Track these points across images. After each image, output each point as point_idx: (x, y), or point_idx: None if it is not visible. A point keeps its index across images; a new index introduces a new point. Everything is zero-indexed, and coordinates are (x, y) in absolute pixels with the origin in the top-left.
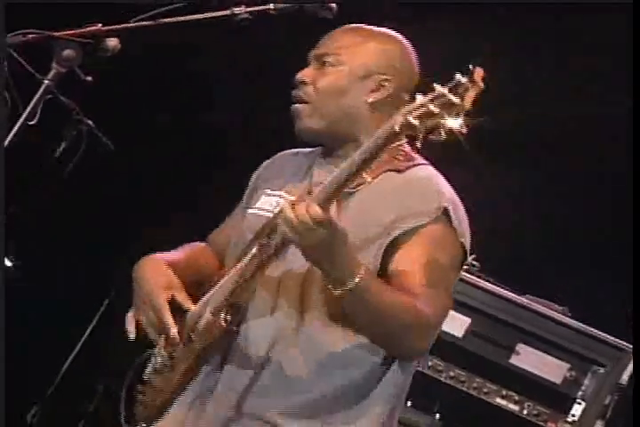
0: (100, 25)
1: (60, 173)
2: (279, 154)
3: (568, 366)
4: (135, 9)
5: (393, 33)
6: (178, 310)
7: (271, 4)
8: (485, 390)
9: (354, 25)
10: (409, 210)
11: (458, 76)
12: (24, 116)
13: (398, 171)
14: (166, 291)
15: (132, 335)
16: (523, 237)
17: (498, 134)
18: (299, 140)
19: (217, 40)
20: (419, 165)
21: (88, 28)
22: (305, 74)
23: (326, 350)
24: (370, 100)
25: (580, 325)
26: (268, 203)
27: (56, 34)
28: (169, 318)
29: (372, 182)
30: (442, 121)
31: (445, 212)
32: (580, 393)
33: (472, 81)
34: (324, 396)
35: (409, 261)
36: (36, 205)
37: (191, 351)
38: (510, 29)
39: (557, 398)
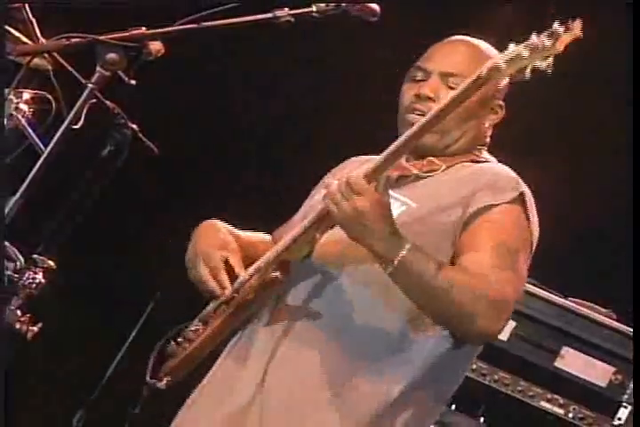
0: (144, 28)
1: (104, 178)
2: (349, 160)
3: (613, 369)
4: (178, 12)
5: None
6: (229, 273)
7: (314, 7)
8: (530, 393)
9: (470, 40)
10: (486, 188)
11: (555, 24)
12: (68, 119)
13: (473, 161)
14: (221, 251)
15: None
16: (566, 240)
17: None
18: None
19: (260, 43)
20: (494, 162)
21: (132, 32)
22: (431, 89)
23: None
24: (487, 124)
25: (626, 327)
26: None
27: (100, 38)
28: (224, 277)
29: (446, 170)
30: (529, 63)
31: (522, 197)
32: (625, 397)
33: (567, 28)
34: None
35: (480, 242)
36: (81, 209)
37: (229, 307)
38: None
39: (603, 402)
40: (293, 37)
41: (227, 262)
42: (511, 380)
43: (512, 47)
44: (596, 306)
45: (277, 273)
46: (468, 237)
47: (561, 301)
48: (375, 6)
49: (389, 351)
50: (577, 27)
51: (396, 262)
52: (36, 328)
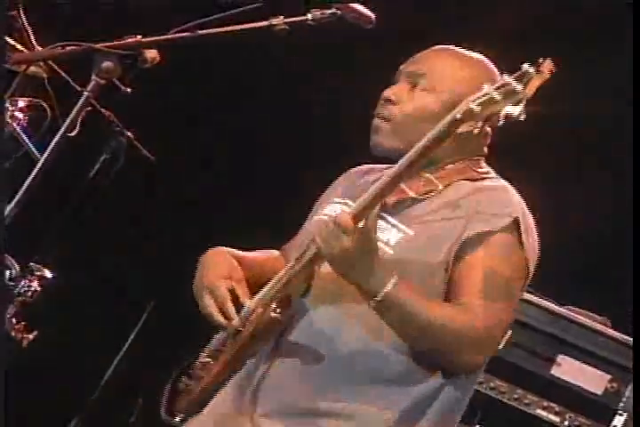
0: (139, 37)
1: (100, 185)
2: (356, 168)
3: (609, 377)
4: (174, 21)
5: (485, 59)
6: (235, 302)
7: (309, 15)
8: (526, 401)
9: (449, 47)
10: (479, 215)
11: (525, 65)
12: (64, 127)
13: (470, 180)
14: (227, 281)
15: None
16: (563, 248)
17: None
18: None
19: (256, 50)
20: (492, 177)
21: (127, 40)
22: (393, 92)
23: (369, 360)
24: (459, 130)
25: (621, 335)
26: (332, 210)
27: (96, 46)
28: (230, 309)
29: (443, 190)
30: (502, 108)
31: (516, 223)
32: (621, 404)
33: (538, 71)
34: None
35: (469, 271)
36: (77, 217)
37: (236, 342)
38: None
39: (598, 410)
40: (290, 45)
41: (233, 292)
42: (507, 388)
43: (485, 88)
44: (592, 313)
45: (277, 314)
46: (460, 269)
47: (556, 308)
48: (371, 14)
49: (390, 386)
50: (546, 68)
51: (379, 298)
52: (31, 336)
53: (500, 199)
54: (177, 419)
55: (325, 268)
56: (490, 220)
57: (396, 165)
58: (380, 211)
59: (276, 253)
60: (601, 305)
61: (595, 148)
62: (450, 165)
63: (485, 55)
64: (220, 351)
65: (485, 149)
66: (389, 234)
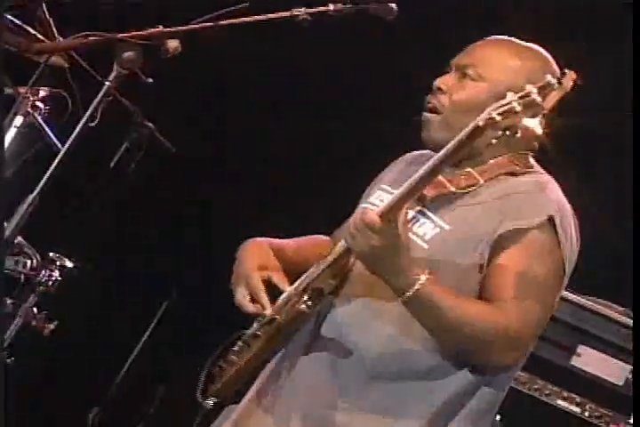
0: (161, 27)
1: (121, 175)
2: (411, 153)
3: (630, 367)
4: (196, 10)
5: (540, 50)
6: (272, 291)
7: (331, 6)
8: (547, 391)
9: (502, 37)
10: (515, 211)
11: (549, 76)
12: (85, 118)
13: (513, 174)
14: (261, 271)
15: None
16: (585, 238)
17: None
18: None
19: (277, 41)
20: (536, 173)
21: (149, 30)
22: (444, 81)
23: (403, 356)
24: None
25: None
26: (379, 198)
27: (117, 36)
28: (264, 299)
29: (484, 184)
30: (520, 119)
31: (551, 221)
32: None
33: (559, 83)
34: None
35: (504, 270)
36: (97, 207)
37: (270, 330)
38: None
39: (619, 400)
40: (312, 36)
41: (269, 282)
42: (527, 378)
43: (508, 96)
44: (613, 304)
45: (306, 306)
46: (494, 268)
47: (577, 299)
48: (393, 5)
49: (423, 381)
50: (568, 81)
51: (409, 294)
52: (52, 326)
53: (537, 197)
54: (210, 402)
55: (357, 264)
56: (525, 217)
57: (422, 169)
58: (419, 204)
59: (323, 239)
60: (622, 296)
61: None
62: (493, 160)
63: None
64: (255, 338)
65: (535, 144)
66: (425, 228)
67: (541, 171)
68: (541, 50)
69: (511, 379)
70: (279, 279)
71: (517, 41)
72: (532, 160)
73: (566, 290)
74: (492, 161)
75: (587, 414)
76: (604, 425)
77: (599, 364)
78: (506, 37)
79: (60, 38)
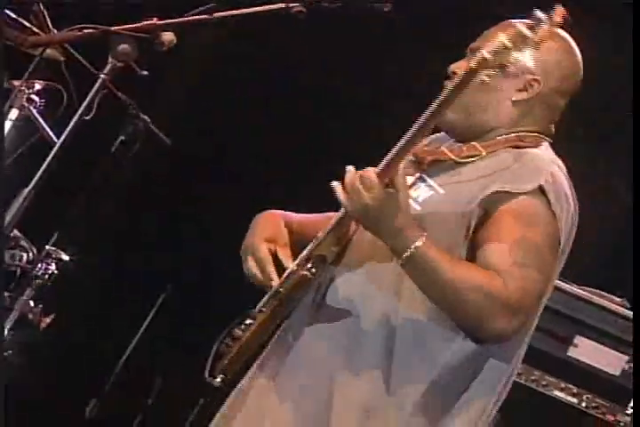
0: (156, 19)
1: (117, 168)
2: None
3: (627, 357)
4: (190, 3)
5: (556, 31)
6: (278, 265)
7: None
8: (544, 382)
9: (511, 21)
10: (505, 176)
11: (538, 12)
12: (80, 110)
13: (516, 147)
14: (269, 243)
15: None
16: (580, 229)
17: None
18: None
19: (273, 32)
20: (539, 148)
21: (144, 23)
22: (457, 66)
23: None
24: (514, 98)
25: None
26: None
27: (112, 28)
28: (271, 270)
29: (486, 157)
30: (512, 53)
31: (541, 190)
32: None
33: (549, 17)
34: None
35: (498, 236)
36: (93, 200)
37: (273, 303)
38: None
39: (616, 391)
40: (309, 29)
41: (275, 255)
42: (524, 369)
43: (500, 37)
44: (609, 295)
45: (309, 273)
46: (488, 229)
47: (574, 289)
48: None
49: (418, 351)
50: (558, 14)
51: (407, 254)
52: (48, 319)
53: (531, 165)
54: (217, 379)
55: (358, 233)
56: (515, 182)
57: (421, 116)
58: (417, 169)
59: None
60: (619, 286)
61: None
62: (500, 137)
63: None
64: (260, 313)
65: (551, 128)
66: (420, 191)
67: (549, 151)
68: (562, 33)
69: (519, 353)
70: (284, 254)
71: (527, 21)
72: (545, 143)
73: (562, 281)
74: (499, 137)
75: (584, 404)
76: (601, 416)
77: (596, 354)
78: (517, 21)
79: (55, 31)
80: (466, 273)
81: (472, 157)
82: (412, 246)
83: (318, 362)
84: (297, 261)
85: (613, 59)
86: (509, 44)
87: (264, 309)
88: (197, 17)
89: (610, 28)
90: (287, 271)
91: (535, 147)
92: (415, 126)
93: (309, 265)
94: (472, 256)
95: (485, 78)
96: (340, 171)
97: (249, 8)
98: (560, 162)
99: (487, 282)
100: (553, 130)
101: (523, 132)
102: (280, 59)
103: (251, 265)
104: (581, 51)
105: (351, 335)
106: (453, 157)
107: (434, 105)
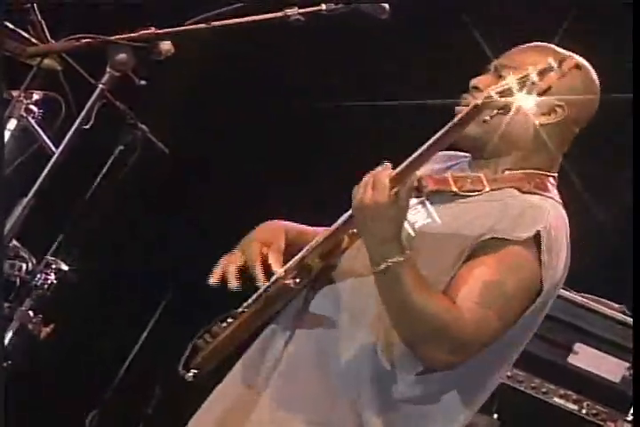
0: (154, 28)
1: (115, 178)
2: (441, 153)
3: (627, 364)
4: (188, 12)
5: (582, 59)
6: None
7: (323, 5)
8: (544, 389)
9: (544, 44)
10: (506, 222)
11: (550, 60)
12: (78, 120)
13: (519, 190)
14: (263, 246)
15: (211, 281)
16: (578, 235)
17: None
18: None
19: (271, 42)
20: (545, 195)
21: (141, 32)
22: (480, 81)
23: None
24: (537, 122)
25: None
26: None
27: (110, 38)
28: (258, 268)
29: (489, 193)
30: (516, 98)
31: (537, 239)
32: None
33: (559, 66)
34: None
35: (472, 273)
36: (92, 209)
37: (256, 305)
38: None
39: (617, 397)
40: (304, 36)
41: (266, 259)
42: (524, 377)
43: (508, 78)
44: (609, 302)
45: (289, 281)
46: (469, 267)
47: (573, 297)
48: (385, 5)
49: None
50: (567, 65)
51: (382, 266)
52: (48, 329)
53: (530, 213)
54: (190, 374)
55: (351, 252)
56: (511, 229)
57: (438, 133)
58: (420, 195)
59: None
60: (618, 293)
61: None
62: (509, 172)
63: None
64: (243, 313)
65: (560, 159)
66: (418, 217)
67: (555, 195)
68: (587, 63)
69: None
70: (274, 259)
71: (558, 48)
72: (550, 183)
73: (563, 288)
74: (507, 173)
75: (584, 411)
76: (602, 422)
77: (596, 361)
78: (547, 44)
79: (52, 41)
80: (433, 301)
81: (475, 191)
82: (391, 260)
83: (300, 368)
84: (284, 268)
85: (613, 59)
86: (516, 88)
87: (246, 310)
88: (195, 26)
89: (610, 28)
90: (274, 277)
91: (542, 189)
92: (426, 146)
93: (294, 274)
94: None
95: (487, 118)
96: (338, 173)
97: (246, 17)
98: (561, 208)
99: (449, 315)
100: (558, 163)
101: (533, 169)
102: (278, 66)
103: (233, 259)
104: (581, 50)
105: (334, 349)
106: (455, 189)
107: (441, 132)
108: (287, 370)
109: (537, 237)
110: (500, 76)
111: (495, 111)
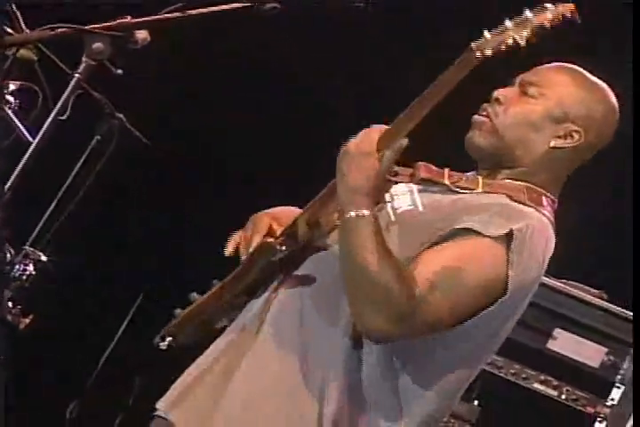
0: (130, 17)
1: (93, 168)
2: None
3: (606, 350)
4: (164, 0)
5: (606, 87)
6: None
7: None
8: (523, 375)
9: (572, 66)
10: (479, 217)
11: (548, 4)
12: (55, 110)
13: (511, 198)
14: (273, 220)
15: (226, 252)
16: (559, 222)
17: None
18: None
19: (247, 30)
20: (536, 208)
21: (117, 21)
22: (503, 94)
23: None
24: (552, 144)
25: (617, 308)
26: (395, 189)
27: (86, 27)
28: (254, 240)
29: (480, 194)
30: (510, 33)
31: (509, 236)
32: (618, 377)
33: (556, 7)
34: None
35: (434, 255)
36: (70, 200)
37: (237, 270)
38: None
39: (596, 383)
40: (283, 25)
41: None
42: (504, 362)
43: (506, 22)
44: (587, 287)
45: (271, 239)
46: (431, 250)
47: (552, 282)
48: None
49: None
50: (564, 7)
51: (346, 216)
52: (27, 320)
53: (508, 213)
54: (164, 343)
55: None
56: (485, 223)
57: (421, 94)
58: (411, 181)
59: None
60: (596, 278)
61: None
62: (508, 181)
63: None
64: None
65: (557, 188)
66: (402, 202)
67: (547, 212)
68: (606, 87)
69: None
70: (279, 229)
71: (587, 74)
72: (548, 202)
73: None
74: (506, 181)
75: (564, 397)
76: (582, 408)
77: (575, 347)
78: (577, 68)
79: (28, 31)
80: (381, 260)
81: (466, 189)
82: (356, 212)
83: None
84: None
85: (613, 59)
86: (510, 26)
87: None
88: (171, 15)
89: (610, 28)
90: (258, 242)
91: (535, 203)
92: (420, 97)
93: (282, 239)
94: None
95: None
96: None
97: (221, 6)
98: (550, 226)
99: (392, 277)
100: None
101: (534, 184)
102: (257, 54)
103: (237, 236)
104: (581, 51)
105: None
106: (447, 182)
107: (439, 79)
108: (270, 331)
109: (509, 236)
110: (525, 93)
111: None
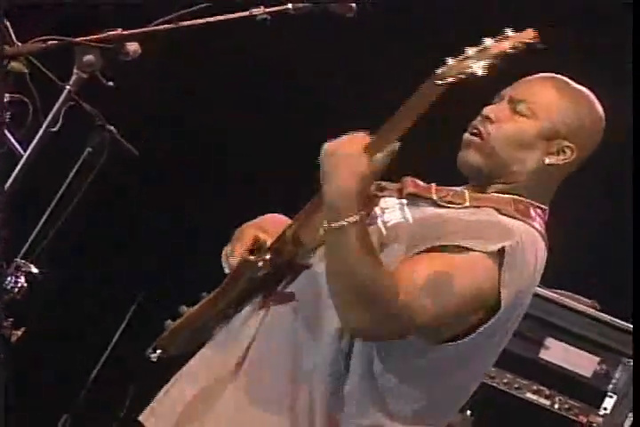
0: (120, 29)
1: (84, 180)
2: None
3: (598, 359)
4: (155, 12)
5: (590, 94)
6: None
7: (290, 5)
8: (516, 385)
9: (556, 76)
10: (472, 232)
11: (508, 30)
12: (46, 123)
13: (499, 211)
14: (256, 230)
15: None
16: (551, 231)
17: None
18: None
19: (238, 41)
20: (525, 221)
21: (108, 33)
22: (493, 111)
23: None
24: (547, 161)
25: (610, 318)
26: (385, 202)
27: (76, 40)
28: (237, 251)
29: (467, 208)
30: (468, 63)
31: (501, 252)
32: (610, 386)
33: (515, 35)
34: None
35: (427, 262)
36: (62, 212)
37: (224, 284)
38: None
39: (588, 392)
40: (275, 35)
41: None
42: (496, 372)
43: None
44: (580, 297)
45: (252, 257)
46: (419, 256)
47: (545, 292)
48: (352, 4)
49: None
50: (526, 34)
51: (335, 225)
52: (19, 332)
53: (498, 230)
54: (154, 354)
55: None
56: (476, 239)
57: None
58: (400, 196)
59: None
60: (588, 288)
61: None
62: (496, 195)
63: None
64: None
65: (548, 198)
66: (393, 216)
67: (537, 223)
68: (590, 94)
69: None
70: (265, 242)
71: (572, 83)
72: (536, 213)
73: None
74: (493, 194)
75: (556, 406)
76: (574, 417)
77: (567, 356)
78: (561, 78)
79: (19, 43)
80: (369, 265)
81: (454, 204)
82: (345, 215)
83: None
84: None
85: (613, 59)
86: (471, 54)
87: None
88: (162, 27)
89: (610, 28)
90: (241, 257)
91: (523, 215)
92: (398, 114)
93: (267, 256)
94: None
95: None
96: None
97: (213, 16)
98: (539, 237)
99: (380, 279)
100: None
101: (524, 197)
102: (257, 54)
103: (227, 250)
104: (582, 51)
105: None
106: (435, 197)
107: (409, 101)
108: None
109: (500, 251)
110: (515, 110)
111: (452, 79)
